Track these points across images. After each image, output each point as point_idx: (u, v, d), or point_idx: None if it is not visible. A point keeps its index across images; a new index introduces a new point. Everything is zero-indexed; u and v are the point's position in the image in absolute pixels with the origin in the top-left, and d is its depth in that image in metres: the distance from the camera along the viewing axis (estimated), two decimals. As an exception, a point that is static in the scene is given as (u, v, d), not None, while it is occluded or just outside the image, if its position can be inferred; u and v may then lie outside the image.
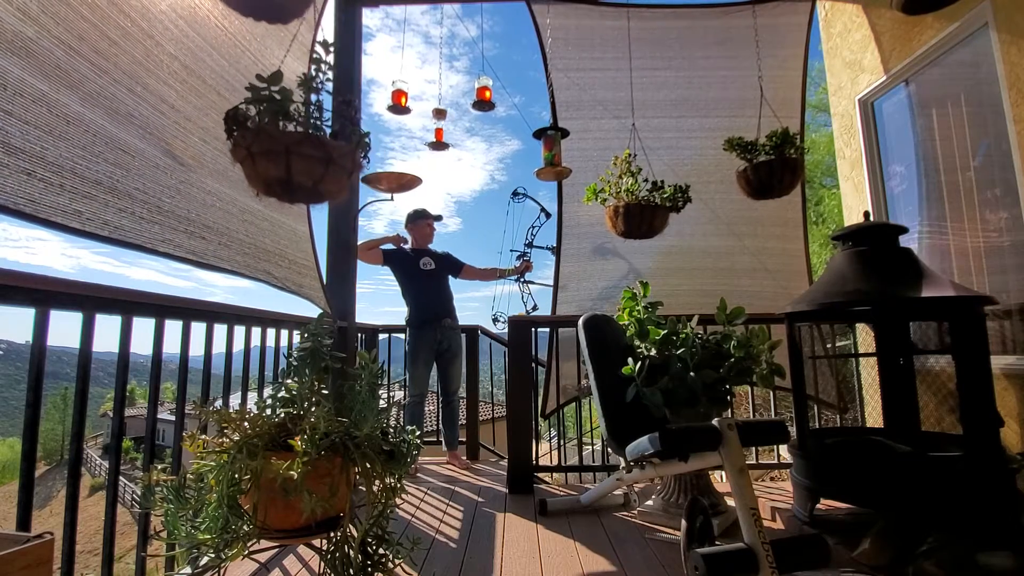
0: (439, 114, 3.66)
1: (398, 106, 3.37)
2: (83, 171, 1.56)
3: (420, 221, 3.74)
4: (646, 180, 2.83)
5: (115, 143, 1.69)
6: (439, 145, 3.66)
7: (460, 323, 3.81)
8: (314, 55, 1.65)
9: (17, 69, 1.38)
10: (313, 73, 1.60)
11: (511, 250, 4.00)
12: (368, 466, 1.35)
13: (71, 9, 1.56)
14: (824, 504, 2.29)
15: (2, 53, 1.35)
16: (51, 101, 1.47)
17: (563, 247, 3.78)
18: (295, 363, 1.52)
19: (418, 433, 1.54)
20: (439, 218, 3.80)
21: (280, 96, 1.52)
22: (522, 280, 3.96)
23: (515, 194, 4.14)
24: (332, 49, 1.65)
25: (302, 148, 1.50)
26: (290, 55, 2.81)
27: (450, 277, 3.82)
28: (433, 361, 3.64)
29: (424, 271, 3.63)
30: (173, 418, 1.85)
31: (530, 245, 4.02)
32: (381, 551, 1.41)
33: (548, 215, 4.02)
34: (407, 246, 3.74)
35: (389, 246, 3.65)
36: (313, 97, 1.60)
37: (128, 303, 1.65)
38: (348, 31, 3.20)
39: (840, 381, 3.06)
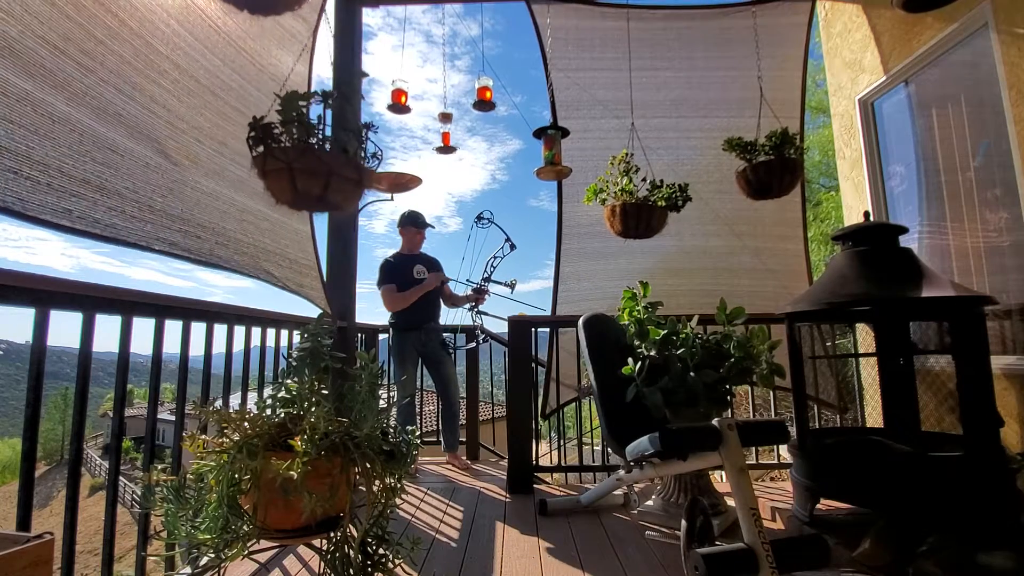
0: (445, 118, 3.65)
1: (398, 105, 3.37)
2: (70, 170, 1.55)
3: (411, 228, 3.71)
4: (644, 180, 2.83)
5: (103, 142, 1.68)
6: (446, 149, 3.66)
7: (461, 324, 3.81)
8: (331, 93, 1.71)
9: (0, 69, 1.38)
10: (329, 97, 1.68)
11: (467, 280, 3.73)
12: (368, 466, 1.35)
13: (56, 9, 1.55)
14: (824, 504, 2.28)
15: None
16: (36, 100, 1.47)
17: (563, 247, 3.79)
18: (295, 363, 1.52)
19: (417, 433, 1.54)
20: (431, 226, 3.75)
21: (307, 114, 1.61)
22: (476, 310, 3.78)
23: (479, 218, 3.77)
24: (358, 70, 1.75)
25: (344, 171, 1.62)
26: (290, 55, 2.80)
27: None
28: (419, 360, 3.65)
29: (417, 280, 3.61)
30: (173, 418, 1.85)
31: (488, 280, 3.72)
32: (381, 551, 1.41)
33: (513, 247, 3.71)
34: (397, 251, 3.72)
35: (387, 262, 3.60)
36: (314, 109, 1.66)
37: (128, 303, 1.64)
38: (348, 31, 3.20)
39: (840, 381, 3.06)
